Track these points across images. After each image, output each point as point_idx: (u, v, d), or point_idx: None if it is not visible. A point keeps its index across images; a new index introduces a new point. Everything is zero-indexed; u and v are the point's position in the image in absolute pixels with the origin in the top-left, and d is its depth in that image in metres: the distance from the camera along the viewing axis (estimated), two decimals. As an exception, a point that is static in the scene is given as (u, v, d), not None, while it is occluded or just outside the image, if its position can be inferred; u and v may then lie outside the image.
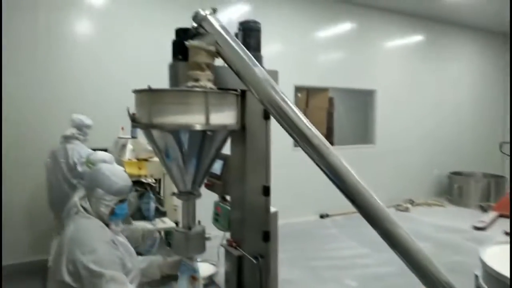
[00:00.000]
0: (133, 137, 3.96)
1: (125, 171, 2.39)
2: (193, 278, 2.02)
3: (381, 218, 1.57)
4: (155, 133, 1.77)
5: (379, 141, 8.20)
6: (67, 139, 4.27)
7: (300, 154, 1.82)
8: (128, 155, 3.73)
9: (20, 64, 4.98)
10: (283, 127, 1.67)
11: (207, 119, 1.68)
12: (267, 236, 2.09)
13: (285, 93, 1.69)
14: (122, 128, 4.40)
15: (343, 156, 1.63)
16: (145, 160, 3.56)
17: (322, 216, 7.37)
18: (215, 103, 1.71)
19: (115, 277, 1.78)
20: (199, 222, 2.03)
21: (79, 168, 4.09)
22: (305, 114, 1.68)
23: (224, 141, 1.93)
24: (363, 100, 8.62)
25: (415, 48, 8.69)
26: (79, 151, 4.18)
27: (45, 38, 5.13)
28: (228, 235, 2.28)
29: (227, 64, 1.77)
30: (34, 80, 5.07)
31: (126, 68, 5.48)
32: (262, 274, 2.04)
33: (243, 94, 1.95)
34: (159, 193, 4.00)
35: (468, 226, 6.74)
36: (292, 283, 4.51)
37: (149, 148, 3.74)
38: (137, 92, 1.79)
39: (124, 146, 3.92)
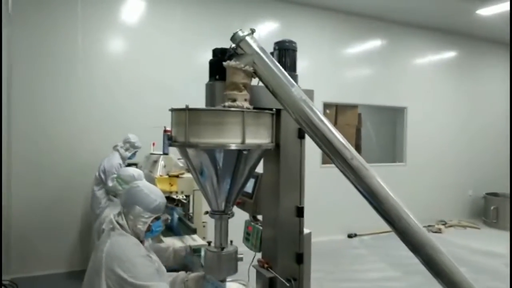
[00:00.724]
0: (165, 153, 4.01)
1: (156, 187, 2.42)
2: None
3: (423, 243, 1.50)
4: (190, 151, 1.76)
5: (410, 159, 8.00)
6: (112, 149, 4.77)
7: (328, 171, 1.80)
8: (159, 171, 3.77)
9: (67, 85, 5.28)
10: (320, 147, 1.64)
11: (243, 138, 1.67)
12: (300, 258, 2.05)
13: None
14: (153, 144, 4.48)
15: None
16: (176, 176, 3.58)
17: (350, 236, 7.21)
18: (251, 123, 1.70)
19: (161, 287, 1.86)
20: (231, 242, 2.01)
21: (109, 183, 4.25)
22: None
23: (258, 160, 1.91)
24: (390, 116, 8.47)
25: (447, 65, 8.50)
26: (111, 158, 4.58)
27: (83, 57, 5.35)
28: (258, 255, 2.24)
29: (264, 84, 1.76)
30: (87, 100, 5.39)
31: (156, 87, 5.60)
32: (295, 297, 1.99)
33: (277, 113, 1.94)
34: (189, 209, 4.01)
35: (506, 250, 6.41)
36: (320, 305, 4.41)
37: (181, 164, 3.77)
38: (174, 110, 1.80)
39: (155, 162, 3.97)
